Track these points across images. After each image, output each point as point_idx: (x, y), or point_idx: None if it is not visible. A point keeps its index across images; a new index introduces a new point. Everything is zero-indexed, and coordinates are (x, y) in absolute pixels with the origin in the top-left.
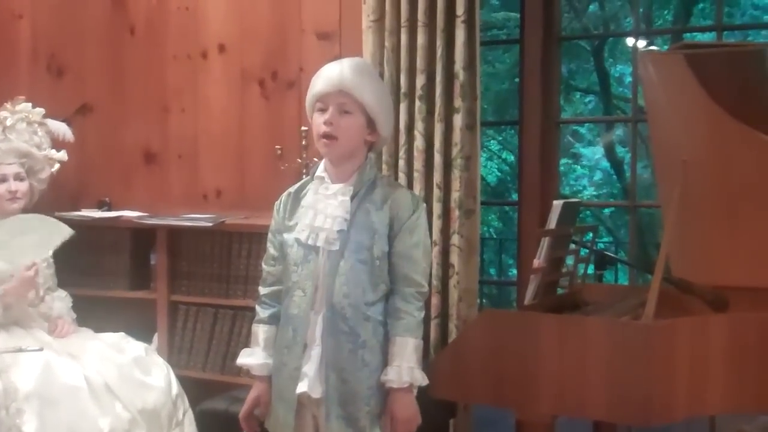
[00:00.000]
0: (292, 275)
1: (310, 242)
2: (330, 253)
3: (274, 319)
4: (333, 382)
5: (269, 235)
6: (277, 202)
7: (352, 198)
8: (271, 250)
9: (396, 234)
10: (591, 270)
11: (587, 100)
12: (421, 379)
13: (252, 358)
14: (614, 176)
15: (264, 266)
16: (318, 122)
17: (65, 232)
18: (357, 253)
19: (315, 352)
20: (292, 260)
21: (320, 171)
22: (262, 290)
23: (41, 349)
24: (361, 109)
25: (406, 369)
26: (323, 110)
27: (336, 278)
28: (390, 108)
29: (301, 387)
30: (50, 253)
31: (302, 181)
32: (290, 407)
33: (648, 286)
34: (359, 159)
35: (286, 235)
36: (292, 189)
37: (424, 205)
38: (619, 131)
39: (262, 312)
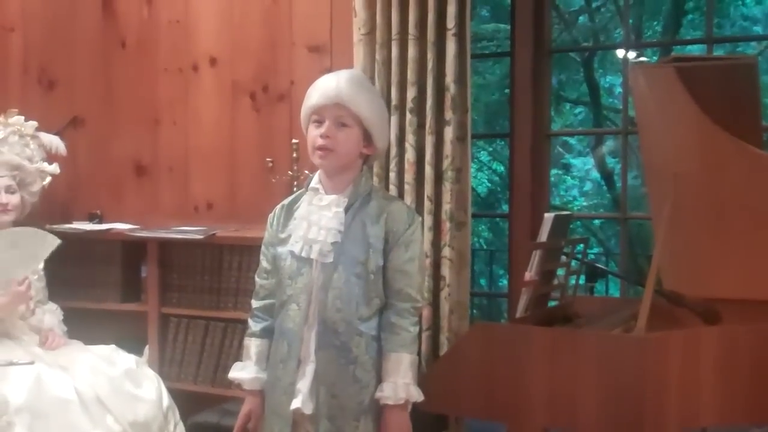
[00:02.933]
0: (287, 289)
1: (303, 254)
2: (323, 265)
3: (266, 333)
4: (323, 397)
5: (262, 248)
6: (271, 215)
7: (347, 210)
8: (264, 263)
9: (391, 248)
10: (582, 281)
11: (577, 111)
12: (417, 396)
13: (244, 372)
14: (604, 187)
15: (257, 279)
16: (314, 135)
17: (53, 243)
18: (351, 266)
19: (309, 368)
20: (287, 273)
21: (314, 182)
22: (255, 303)
23: (32, 362)
24: (357, 121)
25: (401, 385)
26: (319, 122)
27: (329, 292)
28: (386, 121)
29: (295, 403)
30: (40, 265)
31: (296, 194)
32: (287, 423)
33: (639, 298)
34: (354, 171)
35: (279, 249)
36: (285, 201)
37: (420, 218)
38: (609, 142)
39: (254, 325)
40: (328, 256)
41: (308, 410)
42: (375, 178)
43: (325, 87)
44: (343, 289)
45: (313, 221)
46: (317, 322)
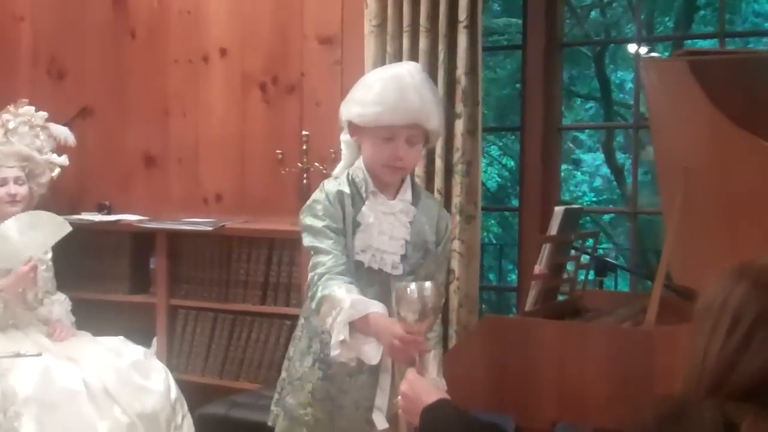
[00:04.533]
0: None
1: (374, 266)
2: (393, 276)
3: (354, 289)
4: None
5: (326, 241)
6: (324, 198)
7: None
8: (341, 256)
9: (435, 247)
10: (591, 276)
11: (588, 106)
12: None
13: (374, 306)
14: (614, 182)
15: (331, 263)
16: (386, 152)
17: (66, 228)
18: (411, 274)
19: (385, 381)
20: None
21: (371, 185)
22: (335, 269)
23: (40, 354)
24: (425, 134)
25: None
26: (389, 139)
27: (396, 302)
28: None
29: (382, 423)
30: (49, 254)
31: (341, 184)
32: None
33: (648, 292)
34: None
35: (351, 242)
36: (340, 188)
37: None
38: (619, 137)
39: (342, 283)
40: (398, 268)
41: (390, 426)
42: None
43: (409, 108)
44: (404, 296)
45: (384, 230)
46: None
